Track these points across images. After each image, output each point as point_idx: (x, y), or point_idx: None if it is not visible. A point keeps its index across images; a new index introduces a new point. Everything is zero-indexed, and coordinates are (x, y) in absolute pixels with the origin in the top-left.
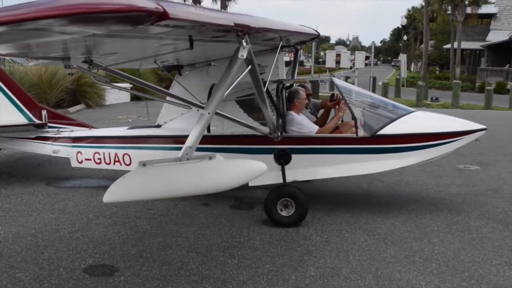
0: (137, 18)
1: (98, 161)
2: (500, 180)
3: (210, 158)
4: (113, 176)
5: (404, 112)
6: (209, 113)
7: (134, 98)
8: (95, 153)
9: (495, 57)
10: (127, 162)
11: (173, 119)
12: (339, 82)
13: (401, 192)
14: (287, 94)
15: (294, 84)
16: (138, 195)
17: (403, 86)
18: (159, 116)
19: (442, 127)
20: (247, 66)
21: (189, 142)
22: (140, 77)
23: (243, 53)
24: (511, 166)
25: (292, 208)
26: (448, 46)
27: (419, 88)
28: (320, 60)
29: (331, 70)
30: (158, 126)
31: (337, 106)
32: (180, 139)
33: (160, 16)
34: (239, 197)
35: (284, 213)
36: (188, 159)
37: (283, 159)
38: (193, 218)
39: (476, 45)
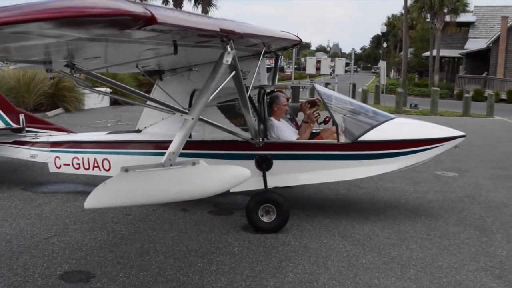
0: (125, 22)
1: (76, 166)
2: (477, 187)
3: (194, 164)
4: (91, 182)
5: (385, 119)
6: (193, 118)
7: (114, 102)
8: (73, 158)
9: (473, 65)
10: (107, 168)
11: (154, 124)
12: (321, 88)
13: (380, 198)
14: (268, 100)
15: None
16: (120, 201)
17: (382, 92)
18: (140, 121)
19: (423, 134)
20: (231, 72)
21: (172, 147)
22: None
23: (227, 59)
24: (488, 173)
25: (273, 214)
26: (427, 53)
27: (398, 95)
28: (301, 66)
29: (311, 76)
30: (139, 131)
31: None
32: (161, 145)
33: (148, 20)
34: (218, 203)
35: (265, 219)
36: (171, 165)
37: (264, 165)
38: (171, 224)
39: (454, 53)
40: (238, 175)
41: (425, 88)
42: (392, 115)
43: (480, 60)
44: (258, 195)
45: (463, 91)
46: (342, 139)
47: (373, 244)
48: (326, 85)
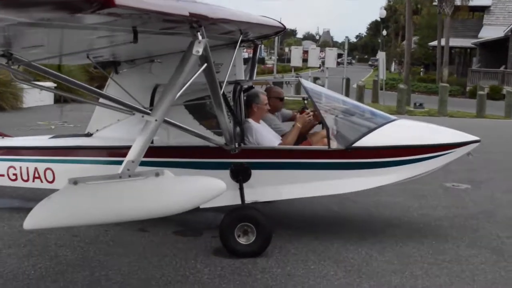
0: (76, 4)
1: (13, 177)
2: (494, 201)
3: (157, 174)
4: (31, 196)
5: (385, 121)
6: (156, 120)
7: (59, 100)
8: (9, 167)
9: (488, 56)
10: (50, 179)
11: (108, 126)
12: (308, 84)
13: (378, 215)
14: (245, 98)
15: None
16: (68, 221)
17: (381, 89)
18: (90, 123)
19: (430, 139)
20: (202, 64)
21: (131, 155)
22: (67, 75)
23: (198, 49)
24: (506, 185)
25: (252, 235)
26: (435, 43)
27: (400, 92)
28: (284, 57)
29: (297, 69)
30: (89, 134)
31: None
32: (116, 151)
33: (104, 3)
34: (185, 221)
35: (243, 240)
36: (130, 176)
37: (241, 175)
38: (127, 247)
39: (467, 42)
40: (211, 188)
41: (432, 84)
42: (393, 117)
43: (497, 51)
44: (234, 211)
45: (477, 88)
46: (334, 144)
47: (371, 270)
48: (315, 80)
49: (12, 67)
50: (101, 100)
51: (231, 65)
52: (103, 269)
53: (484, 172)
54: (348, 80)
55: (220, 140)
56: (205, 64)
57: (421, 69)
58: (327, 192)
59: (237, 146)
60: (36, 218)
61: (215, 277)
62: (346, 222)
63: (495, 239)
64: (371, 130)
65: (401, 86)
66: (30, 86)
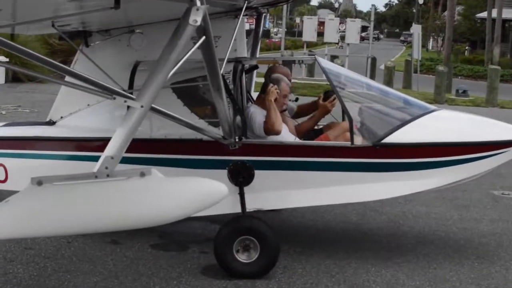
0: None
1: None
2: None
3: (143, 174)
4: None
5: (422, 111)
6: (142, 106)
7: (13, 78)
8: None
9: None
10: (1, 178)
11: (75, 112)
12: (326, 64)
13: (408, 230)
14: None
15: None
16: (30, 230)
17: (415, 72)
18: (53, 108)
19: (478, 135)
20: (199, 38)
21: (110, 150)
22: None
23: (196, 17)
24: None
25: (255, 251)
26: (484, 14)
27: (439, 75)
28: (295, 30)
29: (310, 45)
30: (51, 122)
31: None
32: (87, 144)
33: None
34: (166, 232)
35: (243, 258)
36: (108, 176)
37: (241, 176)
38: (95, 264)
39: None
40: (210, 193)
41: (479, 66)
42: (433, 107)
43: None
44: (233, 222)
45: None
46: (359, 140)
47: None
48: (333, 59)
49: None
50: (67, 78)
51: (232, 39)
52: None
53: None
54: (374, 59)
55: (217, 133)
56: (203, 38)
57: (466, 48)
58: (348, 199)
59: (237, 140)
60: None
61: None
62: (368, 237)
63: None
64: (404, 123)
65: (440, 68)
66: None
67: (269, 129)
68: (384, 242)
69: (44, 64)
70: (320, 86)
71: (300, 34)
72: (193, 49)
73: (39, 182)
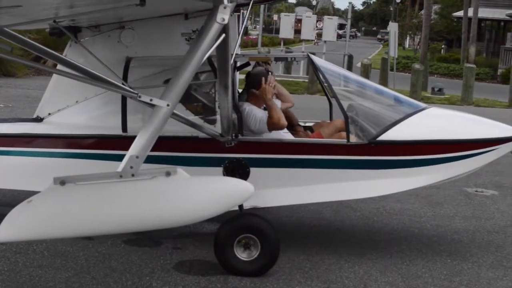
0: None
1: None
2: None
3: (168, 174)
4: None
5: (413, 110)
6: (168, 105)
7: None
8: None
9: None
10: None
11: (64, 109)
12: (320, 61)
13: (382, 226)
14: (245, 78)
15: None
16: (54, 232)
17: (392, 70)
18: (40, 105)
19: (472, 132)
20: (219, 35)
21: (135, 149)
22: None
23: (223, 16)
24: None
25: (256, 249)
26: (460, 13)
27: (415, 73)
28: (272, 27)
29: (287, 42)
30: (39, 119)
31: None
32: (76, 141)
33: None
34: None
35: (244, 256)
36: (133, 175)
37: (237, 174)
38: (66, 259)
39: (500, 13)
40: (237, 191)
41: (455, 65)
42: (423, 104)
43: None
44: (233, 220)
45: (510, 71)
46: (354, 138)
47: None
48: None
49: None
50: (58, 66)
51: (240, 36)
52: (34, 286)
53: None
54: (350, 57)
55: (215, 130)
56: (223, 35)
57: (442, 46)
58: (344, 196)
59: (233, 137)
60: (12, 228)
61: None
62: (342, 233)
63: None
64: (398, 120)
65: (417, 66)
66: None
67: (274, 125)
68: (358, 239)
69: (41, 53)
70: (297, 83)
71: (277, 31)
72: (213, 47)
73: (62, 182)
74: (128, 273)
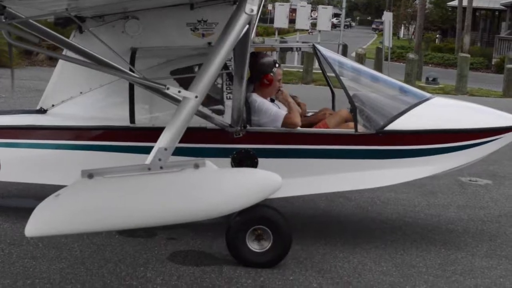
0: None
1: None
2: None
3: (197, 166)
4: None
5: (419, 99)
6: (197, 96)
7: None
8: None
9: None
10: None
11: (68, 100)
12: (326, 51)
13: (376, 216)
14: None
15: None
16: (82, 226)
17: (386, 59)
18: (44, 96)
19: (478, 122)
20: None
21: (163, 141)
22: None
23: (252, 7)
24: None
25: (268, 241)
26: (455, 3)
27: (409, 63)
28: (267, 16)
29: (282, 32)
30: (43, 111)
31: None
32: (81, 133)
33: None
34: None
35: (256, 247)
36: (162, 168)
37: (245, 165)
38: (61, 250)
39: (494, 3)
40: (267, 183)
41: (450, 54)
42: (428, 94)
43: None
44: (246, 212)
45: (505, 60)
46: (362, 127)
47: (363, 283)
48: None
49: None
50: (65, 53)
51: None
52: (28, 277)
53: (509, 166)
54: (345, 47)
55: (221, 121)
56: (247, 26)
57: (437, 36)
58: (353, 186)
59: (241, 128)
60: (40, 223)
61: (170, 287)
62: (336, 223)
63: None
64: (405, 110)
65: (411, 56)
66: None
67: (291, 125)
68: (352, 228)
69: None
70: (291, 73)
71: (272, 20)
72: (238, 38)
73: (90, 175)
74: (123, 264)
